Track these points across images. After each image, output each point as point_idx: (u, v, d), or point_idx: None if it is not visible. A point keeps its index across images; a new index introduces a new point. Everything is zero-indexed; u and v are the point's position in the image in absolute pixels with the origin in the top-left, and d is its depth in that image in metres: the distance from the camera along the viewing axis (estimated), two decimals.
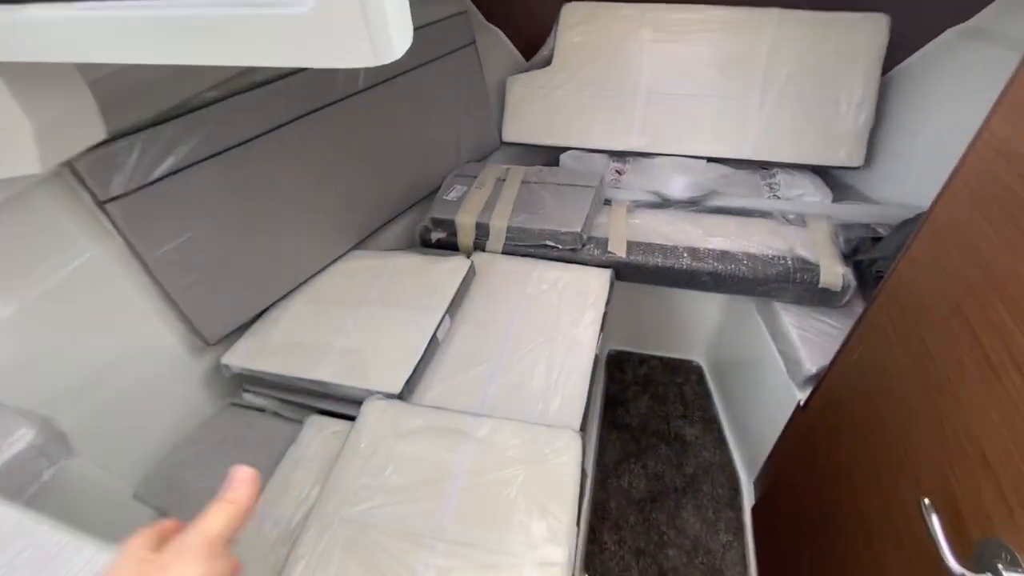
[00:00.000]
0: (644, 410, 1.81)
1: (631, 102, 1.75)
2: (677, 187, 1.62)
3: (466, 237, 1.50)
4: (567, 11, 1.73)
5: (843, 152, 1.61)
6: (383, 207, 1.52)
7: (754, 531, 1.45)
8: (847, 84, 1.58)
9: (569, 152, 1.85)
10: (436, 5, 1.61)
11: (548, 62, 1.80)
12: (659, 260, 1.41)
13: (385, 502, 0.87)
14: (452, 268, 1.33)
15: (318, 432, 1.07)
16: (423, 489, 0.88)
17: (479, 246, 1.51)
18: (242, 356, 1.16)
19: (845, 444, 0.98)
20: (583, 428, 1.02)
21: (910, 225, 1.36)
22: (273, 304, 1.26)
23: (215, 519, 0.37)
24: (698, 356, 1.95)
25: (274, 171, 1.20)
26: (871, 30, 1.55)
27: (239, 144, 1.13)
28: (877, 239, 1.44)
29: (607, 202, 1.64)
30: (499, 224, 1.47)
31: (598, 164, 1.81)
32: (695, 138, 1.72)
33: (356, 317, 1.21)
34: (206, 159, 1.07)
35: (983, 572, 0.58)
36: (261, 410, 1.22)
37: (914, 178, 1.58)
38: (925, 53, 1.59)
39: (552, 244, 1.46)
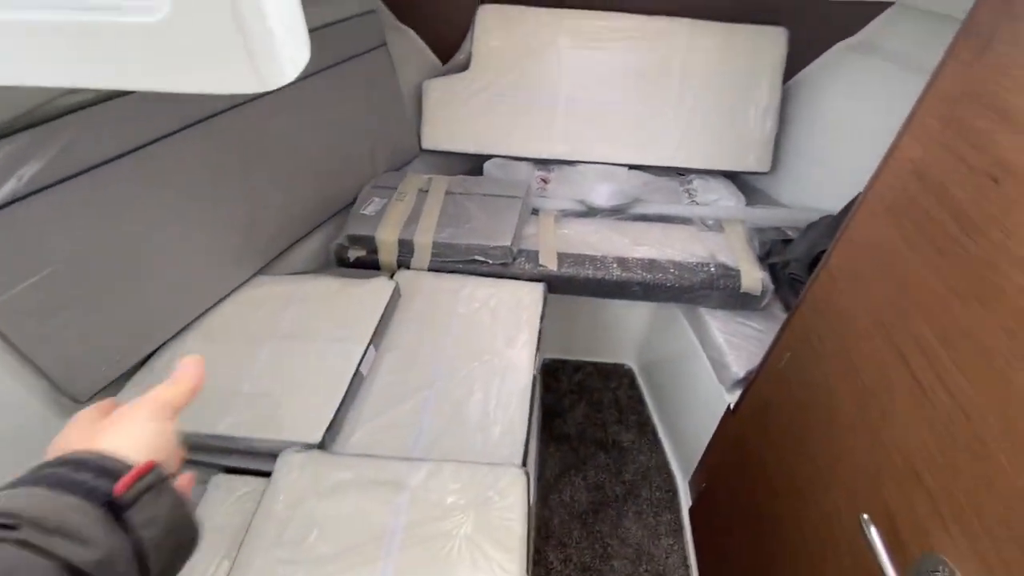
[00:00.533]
0: (581, 419, 1.80)
1: (551, 109, 1.72)
2: (602, 195, 1.61)
3: (388, 255, 1.39)
4: (483, 14, 1.66)
5: (752, 158, 1.69)
6: (291, 225, 1.37)
7: (693, 532, 1.48)
8: (754, 92, 1.66)
9: (493, 160, 1.79)
10: (342, 3, 1.48)
11: (466, 66, 1.73)
12: (590, 272, 1.39)
13: None
14: (374, 291, 1.22)
15: (226, 495, 0.92)
16: (355, 555, 0.78)
17: (403, 263, 1.40)
18: None
19: (777, 450, 1.00)
20: (525, 460, 0.97)
21: (815, 228, 1.45)
22: (161, 346, 1.09)
23: (162, 389, 0.39)
24: (628, 359, 1.97)
25: (153, 191, 1.03)
26: (772, 42, 1.64)
27: (107, 161, 0.95)
28: (787, 241, 1.52)
29: (534, 211, 1.60)
30: (424, 240, 1.38)
31: (523, 172, 1.77)
32: (615, 145, 1.73)
33: (264, 355, 1.07)
34: (62, 181, 0.89)
35: None
36: None
37: (815, 182, 1.69)
38: (819, 64, 1.70)
39: (482, 259, 1.39)
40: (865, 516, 0.68)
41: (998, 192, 0.56)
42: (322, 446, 0.94)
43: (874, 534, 0.65)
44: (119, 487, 0.32)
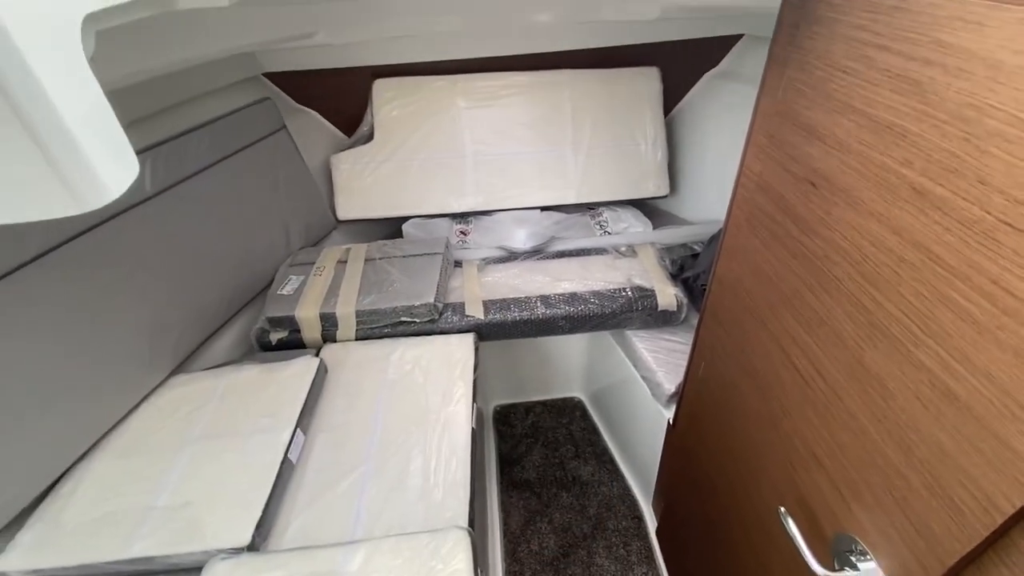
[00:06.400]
0: (539, 461, 1.78)
1: (460, 166, 1.79)
2: (519, 239, 1.67)
3: (311, 331, 1.37)
4: (379, 88, 1.73)
5: (651, 185, 1.82)
6: (204, 318, 1.32)
7: (663, 554, 1.47)
8: (641, 127, 1.79)
9: (411, 221, 1.82)
10: (234, 95, 1.51)
11: (370, 137, 1.78)
12: (516, 314, 1.42)
13: None
14: (298, 372, 1.19)
15: None
16: None
17: (328, 338, 1.38)
18: (25, 554, 0.89)
19: (712, 455, 1.04)
20: (472, 520, 0.95)
21: (717, 239, 1.55)
22: (68, 470, 1.00)
23: None
24: (577, 391, 1.99)
25: (34, 310, 0.97)
26: (647, 80, 1.79)
27: None
28: (696, 255, 1.62)
29: (458, 264, 1.63)
30: (346, 311, 1.37)
31: (442, 228, 1.81)
32: (525, 191, 1.81)
33: (183, 461, 1.01)
34: None
35: (843, 568, 0.62)
36: None
37: (712, 196, 1.83)
38: (693, 94, 1.88)
39: (408, 320, 1.39)
40: (782, 509, 0.71)
41: (818, 195, 0.63)
42: (253, 547, 0.89)
43: (791, 525, 0.68)
44: None
